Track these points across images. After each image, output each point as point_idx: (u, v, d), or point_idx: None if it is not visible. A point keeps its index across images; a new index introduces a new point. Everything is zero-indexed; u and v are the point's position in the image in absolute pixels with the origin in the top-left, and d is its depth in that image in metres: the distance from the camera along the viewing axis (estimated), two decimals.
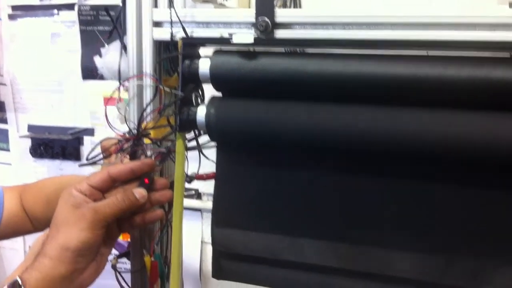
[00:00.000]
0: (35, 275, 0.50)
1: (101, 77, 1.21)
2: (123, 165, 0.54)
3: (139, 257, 0.64)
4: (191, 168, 0.63)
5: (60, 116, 1.27)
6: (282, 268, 0.88)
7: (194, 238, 1.21)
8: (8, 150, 1.35)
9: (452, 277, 0.74)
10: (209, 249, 1.30)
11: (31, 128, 1.31)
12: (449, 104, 0.53)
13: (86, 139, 1.26)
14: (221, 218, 0.83)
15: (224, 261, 0.92)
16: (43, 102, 1.29)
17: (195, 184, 1.20)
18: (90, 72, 1.22)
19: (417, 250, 0.75)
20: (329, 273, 0.86)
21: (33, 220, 0.83)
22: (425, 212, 0.68)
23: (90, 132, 1.26)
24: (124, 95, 0.58)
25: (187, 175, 0.61)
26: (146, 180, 0.52)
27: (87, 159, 0.59)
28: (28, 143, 1.31)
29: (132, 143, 0.55)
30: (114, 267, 0.68)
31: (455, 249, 0.71)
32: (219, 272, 0.92)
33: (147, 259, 0.58)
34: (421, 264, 0.76)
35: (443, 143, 0.53)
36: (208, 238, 1.27)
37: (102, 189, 0.53)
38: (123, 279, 0.66)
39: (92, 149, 0.59)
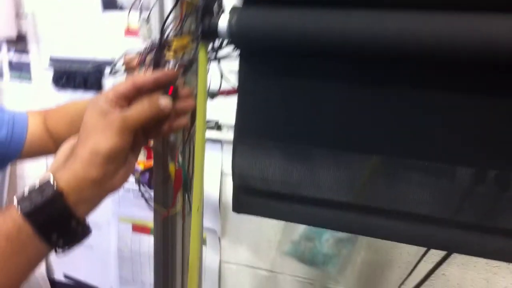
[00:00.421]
0: (67, 175, 0.51)
1: (121, 8, 1.21)
2: (147, 75, 0.55)
3: (161, 170, 0.66)
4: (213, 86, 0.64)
5: (81, 48, 1.28)
6: (299, 204, 0.90)
7: (214, 169, 1.23)
8: (30, 81, 1.37)
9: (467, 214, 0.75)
10: (228, 181, 1.32)
11: (53, 60, 1.32)
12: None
13: (108, 70, 1.27)
14: (242, 149, 0.84)
15: (244, 196, 0.94)
16: (65, 34, 1.29)
17: (215, 115, 1.21)
18: (110, 2, 1.22)
19: (436, 187, 0.76)
20: (345, 209, 0.88)
21: (57, 142, 0.85)
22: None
23: (109, 64, 1.26)
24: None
25: (209, 92, 0.61)
26: (170, 90, 0.53)
27: (110, 73, 0.60)
28: (50, 74, 1.32)
29: (154, 54, 0.56)
30: (137, 180, 0.70)
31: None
32: (238, 207, 0.95)
33: (172, 167, 0.60)
34: (440, 199, 0.77)
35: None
36: (227, 169, 1.29)
37: (128, 98, 0.54)
38: (146, 191, 0.68)
39: (115, 62, 0.60)
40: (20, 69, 1.35)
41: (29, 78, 1.36)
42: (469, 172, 0.85)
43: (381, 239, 1.13)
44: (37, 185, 0.52)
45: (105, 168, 0.52)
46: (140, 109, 0.53)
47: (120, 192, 1.33)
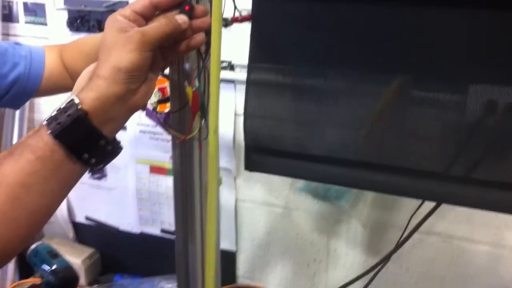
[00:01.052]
0: (91, 95, 0.53)
1: None
2: None
3: (178, 98, 0.67)
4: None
5: None
6: (308, 161, 0.93)
7: (227, 110, 1.25)
8: (45, 24, 1.38)
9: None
10: (242, 122, 1.34)
11: (67, 1, 1.32)
12: None
13: None
14: (252, 110, 0.86)
15: (255, 155, 0.97)
16: None
17: (228, 56, 1.22)
18: None
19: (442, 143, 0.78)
20: (351, 166, 0.91)
21: (73, 76, 0.87)
22: None
23: (124, 4, 1.27)
24: None
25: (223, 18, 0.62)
26: (187, 7, 0.54)
27: None
28: (64, 16, 1.33)
29: None
30: (155, 109, 0.72)
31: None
32: (251, 165, 0.99)
33: (189, 89, 0.61)
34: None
35: None
36: (241, 110, 1.31)
37: (145, 16, 0.55)
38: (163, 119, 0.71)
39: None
40: (35, 12, 1.36)
41: (44, 22, 1.37)
42: (480, 102, 0.86)
43: (387, 194, 1.16)
44: (63, 107, 0.54)
45: (127, 85, 0.54)
46: (158, 25, 0.54)
47: (136, 134, 1.36)
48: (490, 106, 0.84)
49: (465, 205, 0.96)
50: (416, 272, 1.18)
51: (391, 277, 1.20)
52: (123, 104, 0.55)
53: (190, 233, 0.80)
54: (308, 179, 1.15)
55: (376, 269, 1.17)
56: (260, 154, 0.97)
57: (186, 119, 0.69)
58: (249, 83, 0.86)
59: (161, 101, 0.73)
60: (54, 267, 1.10)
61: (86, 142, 0.55)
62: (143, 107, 0.64)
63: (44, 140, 0.53)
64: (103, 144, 0.56)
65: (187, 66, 0.66)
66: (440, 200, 0.97)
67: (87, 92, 0.54)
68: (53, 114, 0.54)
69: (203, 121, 0.67)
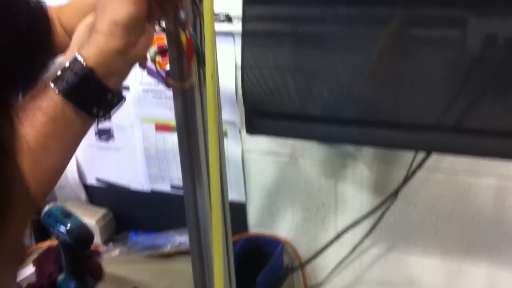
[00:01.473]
0: (92, 50, 0.55)
1: None
2: None
3: (175, 48, 0.68)
4: None
5: None
6: (307, 122, 0.95)
7: (227, 63, 1.25)
8: None
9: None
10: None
11: None
12: None
13: None
14: (252, 77, 0.87)
15: (256, 118, 0.99)
16: None
17: (224, 7, 1.21)
18: None
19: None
20: (350, 124, 0.93)
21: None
22: None
23: None
24: None
25: None
26: None
27: None
28: None
29: None
30: (153, 60, 0.73)
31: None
32: (251, 128, 1.00)
33: (183, 36, 0.62)
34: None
35: None
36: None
37: None
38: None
39: None
40: None
41: None
42: (480, 36, 0.87)
43: (384, 149, 1.17)
44: (67, 65, 0.55)
45: (126, 37, 0.55)
46: None
47: (139, 93, 1.37)
48: (490, 40, 0.84)
49: (461, 154, 0.98)
50: (423, 209, 1.20)
51: (399, 216, 1.23)
52: (124, 57, 0.57)
53: (198, 185, 0.82)
54: (309, 139, 1.18)
55: (384, 207, 1.20)
56: (260, 117, 0.99)
57: (185, 68, 0.70)
58: (245, 33, 0.87)
59: (160, 52, 0.74)
60: (68, 226, 1.13)
61: (94, 98, 0.58)
62: (143, 59, 0.65)
63: (54, 100, 0.55)
64: (110, 97, 0.59)
65: (182, 15, 0.66)
66: (436, 150, 1.00)
67: (89, 48, 0.55)
68: (58, 74, 0.56)
69: (201, 69, 0.68)
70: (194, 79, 0.71)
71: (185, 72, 0.67)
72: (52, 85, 0.55)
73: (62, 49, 0.92)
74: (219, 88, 0.71)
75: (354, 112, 0.94)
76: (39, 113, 0.55)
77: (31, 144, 0.54)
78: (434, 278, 1.25)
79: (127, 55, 0.57)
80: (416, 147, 0.99)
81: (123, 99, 0.62)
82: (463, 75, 0.82)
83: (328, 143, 1.19)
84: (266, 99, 1.01)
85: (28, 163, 0.56)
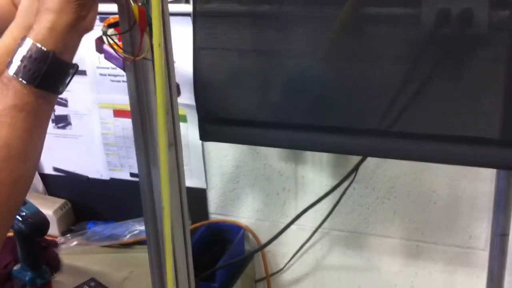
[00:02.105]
0: (46, 32, 0.57)
1: None
2: None
3: (127, 19, 0.68)
4: None
5: None
6: (258, 128, 0.97)
7: (185, 45, 1.24)
8: None
9: None
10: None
11: None
12: None
13: None
14: (204, 83, 0.88)
15: (209, 125, 1.00)
16: None
17: None
18: None
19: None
20: (299, 129, 0.95)
21: None
22: None
23: None
24: None
25: None
26: None
27: None
28: None
29: None
30: (105, 33, 0.73)
31: None
32: (205, 136, 1.02)
33: (134, 7, 0.62)
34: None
35: None
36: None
37: None
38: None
39: None
40: None
41: None
42: (434, 12, 0.89)
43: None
44: (25, 54, 0.56)
45: (78, 13, 0.57)
46: None
47: (96, 77, 1.36)
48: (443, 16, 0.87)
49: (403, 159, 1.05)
50: (381, 190, 1.23)
51: (357, 198, 1.25)
52: (75, 31, 0.59)
53: (153, 170, 0.80)
54: (260, 145, 1.22)
55: (342, 190, 1.23)
56: (214, 124, 1.00)
57: (137, 40, 0.70)
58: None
59: (111, 25, 0.74)
60: (23, 213, 1.11)
61: (60, 77, 0.60)
62: (91, 29, 0.65)
63: (25, 92, 0.56)
64: (72, 72, 0.61)
65: None
66: (378, 156, 1.06)
67: (41, 30, 0.56)
68: (18, 64, 0.56)
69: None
70: (148, 51, 0.71)
71: (138, 44, 0.67)
72: (16, 77, 0.56)
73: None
74: (171, 61, 0.71)
75: (303, 117, 0.98)
76: (16, 111, 0.55)
77: (16, 147, 0.55)
78: (394, 259, 1.28)
79: (78, 29, 0.59)
80: (362, 153, 1.05)
81: (77, 67, 0.63)
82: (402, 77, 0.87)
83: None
84: (218, 106, 1.03)
85: (15, 164, 0.57)
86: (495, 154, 0.86)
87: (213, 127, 1.02)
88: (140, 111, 0.76)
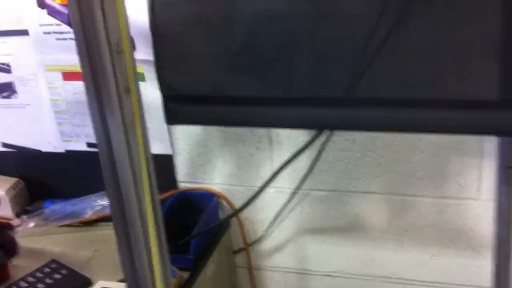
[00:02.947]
0: None
1: None
2: None
3: None
4: None
5: None
6: (228, 105, 0.89)
7: None
8: None
9: None
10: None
11: None
12: None
13: None
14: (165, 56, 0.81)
15: (175, 105, 0.90)
16: None
17: None
18: None
19: None
20: (266, 104, 0.88)
21: None
22: None
23: None
24: None
25: None
26: None
27: None
28: None
29: None
30: None
31: None
32: (171, 118, 0.94)
33: None
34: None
35: None
36: None
37: None
38: None
39: None
40: None
41: None
42: None
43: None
44: None
45: None
46: None
47: (40, 36, 1.24)
48: None
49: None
50: (362, 143, 1.15)
51: (338, 153, 1.17)
52: None
53: (113, 135, 0.71)
54: (231, 125, 1.15)
55: (321, 145, 1.14)
56: (179, 103, 0.93)
57: None
58: None
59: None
60: None
61: None
62: None
63: None
64: None
65: None
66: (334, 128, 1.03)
67: None
68: None
69: None
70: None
71: None
72: None
73: None
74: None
75: (274, 90, 0.89)
76: None
77: None
78: (379, 216, 1.21)
79: None
80: (317, 125, 0.98)
81: None
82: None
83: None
84: (185, 80, 0.94)
85: None
86: (493, 119, 0.78)
87: (180, 108, 0.93)
88: (90, 70, 0.66)
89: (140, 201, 0.72)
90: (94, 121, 0.71)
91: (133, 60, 0.71)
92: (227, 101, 0.89)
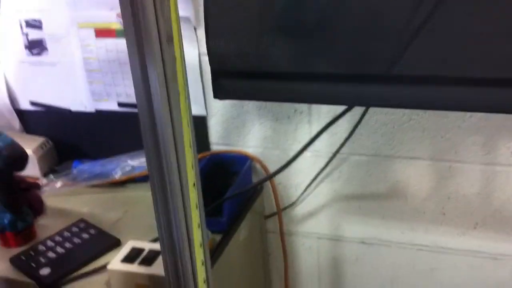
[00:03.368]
0: None
1: None
2: None
3: None
4: None
5: None
6: (281, 81, 0.87)
7: None
8: None
9: None
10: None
11: None
12: None
13: None
14: (216, 29, 0.77)
15: (225, 79, 0.88)
16: None
17: None
18: None
19: None
20: (311, 80, 0.86)
21: None
22: None
23: None
24: None
25: None
26: None
27: None
28: None
29: None
30: None
31: None
32: (220, 92, 0.92)
33: None
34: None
35: None
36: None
37: None
38: None
39: None
40: None
41: None
42: None
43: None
44: None
45: None
46: None
47: None
48: None
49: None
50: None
51: (381, 116, 1.13)
52: None
53: (153, 86, 0.68)
54: (285, 101, 1.13)
55: (363, 108, 1.11)
56: (230, 78, 0.90)
57: None
58: None
59: None
60: None
61: None
62: None
63: None
64: None
65: None
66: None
67: None
68: None
69: None
70: None
71: None
72: None
73: None
74: None
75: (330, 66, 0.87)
76: None
77: None
78: (422, 183, 1.18)
79: None
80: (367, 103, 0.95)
81: None
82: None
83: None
84: (236, 55, 0.91)
85: None
86: None
87: (231, 82, 0.92)
88: (135, 31, 0.63)
89: (179, 160, 0.69)
90: (134, 72, 0.68)
91: (177, 7, 0.67)
92: (275, 77, 0.87)
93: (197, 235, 0.75)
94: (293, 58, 0.84)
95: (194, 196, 0.74)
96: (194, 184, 0.74)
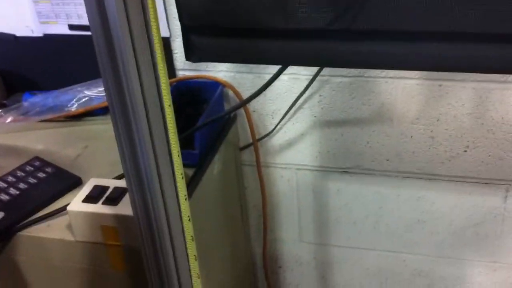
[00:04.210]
0: None
1: None
2: None
3: None
4: None
5: None
6: (261, 38, 0.73)
7: None
8: None
9: None
10: None
11: None
12: None
13: None
14: None
15: (198, 37, 0.76)
16: None
17: None
18: None
19: None
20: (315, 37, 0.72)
21: None
22: None
23: None
24: None
25: None
26: None
27: None
28: None
29: None
30: None
31: None
32: (192, 53, 0.79)
33: None
34: None
35: None
36: None
37: None
38: None
39: None
40: None
41: None
42: None
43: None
44: None
45: None
46: None
47: None
48: None
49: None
50: None
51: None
52: None
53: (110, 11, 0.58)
54: (275, 64, 1.01)
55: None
56: (204, 36, 0.78)
57: None
58: None
59: None
60: None
61: None
62: None
63: None
64: None
65: None
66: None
67: None
68: None
69: None
70: None
71: None
72: None
73: None
74: None
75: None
76: None
77: None
78: (410, 105, 1.12)
79: None
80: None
81: None
82: None
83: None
84: (212, 9, 0.79)
85: None
86: None
87: (204, 41, 0.81)
88: None
89: (143, 84, 0.61)
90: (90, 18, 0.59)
91: None
92: (260, 35, 0.79)
93: (166, 166, 0.68)
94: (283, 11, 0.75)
95: (166, 119, 0.67)
96: (165, 107, 0.66)
